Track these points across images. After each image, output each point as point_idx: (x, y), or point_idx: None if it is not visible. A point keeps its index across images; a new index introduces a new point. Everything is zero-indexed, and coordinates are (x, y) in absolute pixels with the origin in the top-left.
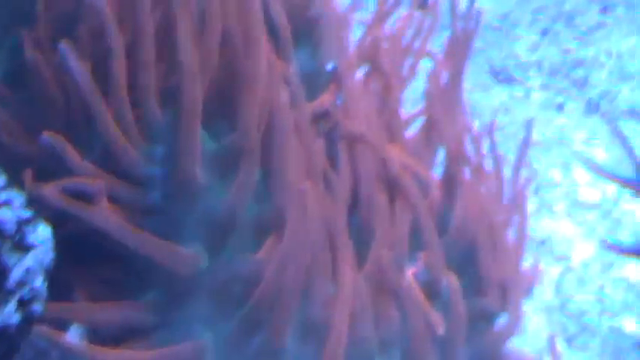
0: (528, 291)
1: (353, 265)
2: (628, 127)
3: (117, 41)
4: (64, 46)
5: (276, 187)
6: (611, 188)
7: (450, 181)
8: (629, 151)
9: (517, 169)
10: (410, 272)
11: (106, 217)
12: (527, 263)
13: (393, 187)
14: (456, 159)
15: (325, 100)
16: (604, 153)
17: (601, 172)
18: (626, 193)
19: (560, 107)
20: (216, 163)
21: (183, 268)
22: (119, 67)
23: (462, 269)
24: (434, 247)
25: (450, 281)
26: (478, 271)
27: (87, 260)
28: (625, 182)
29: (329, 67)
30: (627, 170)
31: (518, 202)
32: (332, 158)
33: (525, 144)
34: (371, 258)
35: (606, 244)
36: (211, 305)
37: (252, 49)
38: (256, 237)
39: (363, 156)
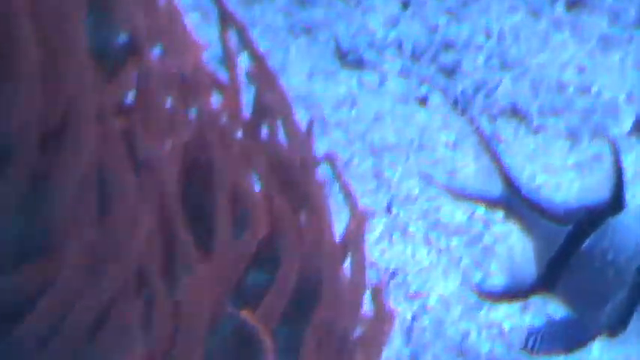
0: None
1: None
2: (508, 128)
3: None
4: None
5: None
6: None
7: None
8: (497, 160)
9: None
10: None
11: None
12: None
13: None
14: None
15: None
16: (474, 163)
17: (463, 196)
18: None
19: (422, 100)
20: None
21: None
22: None
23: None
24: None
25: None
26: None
27: None
28: (493, 202)
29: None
30: (495, 186)
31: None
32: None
33: None
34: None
35: (479, 290)
36: None
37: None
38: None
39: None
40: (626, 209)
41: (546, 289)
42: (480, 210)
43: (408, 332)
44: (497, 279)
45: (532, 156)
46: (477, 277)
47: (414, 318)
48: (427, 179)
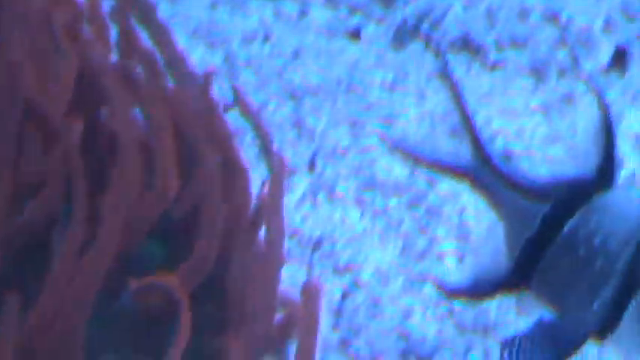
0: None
1: None
2: (459, 64)
3: None
4: None
5: None
6: None
7: None
8: (467, 119)
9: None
10: None
11: None
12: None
13: None
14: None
15: None
16: (416, 108)
17: (422, 161)
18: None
19: (353, 34)
20: None
21: None
22: None
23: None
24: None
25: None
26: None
27: None
28: (458, 171)
29: None
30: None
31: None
32: None
33: None
34: None
35: (440, 286)
36: None
37: None
38: None
39: None
40: (616, 182)
41: (520, 284)
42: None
43: (337, 313)
44: (451, 260)
45: (488, 97)
46: (421, 244)
47: (344, 295)
48: (382, 136)
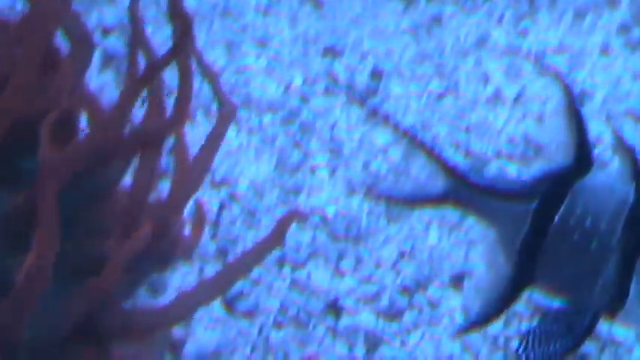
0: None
1: None
2: None
3: None
4: None
5: None
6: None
7: None
8: (432, 152)
9: None
10: None
11: None
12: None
13: None
14: None
15: None
16: (289, 30)
17: (406, 201)
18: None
19: None
20: None
21: None
22: None
23: None
24: None
25: None
26: None
27: None
28: (440, 199)
29: None
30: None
31: None
32: None
33: None
34: None
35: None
36: None
37: None
38: None
39: None
40: (593, 165)
41: (526, 283)
42: (298, 82)
43: (215, 225)
44: (323, 172)
45: (359, 19)
46: (295, 158)
47: (221, 207)
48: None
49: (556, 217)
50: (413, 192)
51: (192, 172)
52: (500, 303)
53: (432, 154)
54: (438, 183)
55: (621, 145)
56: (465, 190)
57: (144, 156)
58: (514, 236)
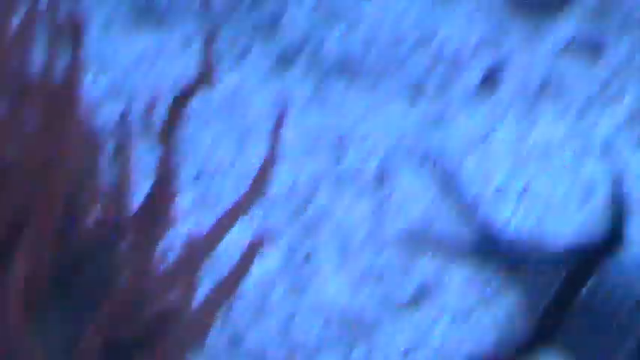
0: None
1: None
2: (337, 87)
3: None
4: None
5: None
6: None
7: None
8: (464, 204)
9: None
10: None
11: None
12: None
13: None
14: None
15: None
16: (293, 130)
17: (429, 249)
18: None
19: (240, 58)
20: None
21: None
22: None
23: None
24: None
25: None
26: None
27: None
28: (465, 254)
29: None
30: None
31: None
32: None
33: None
34: None
35: None
36: None
37: None
38: None
39: None
40: (628, 244)
41: (544, 344)
42: (304, 177)
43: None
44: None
45: (366, 116)
46: (302, 252)
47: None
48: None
49: (584, 288)
50: (444, 245)
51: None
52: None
53: (463, 204)
54: (466, 236)
55: None
56: (495, 251)
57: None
58: (540, 299)
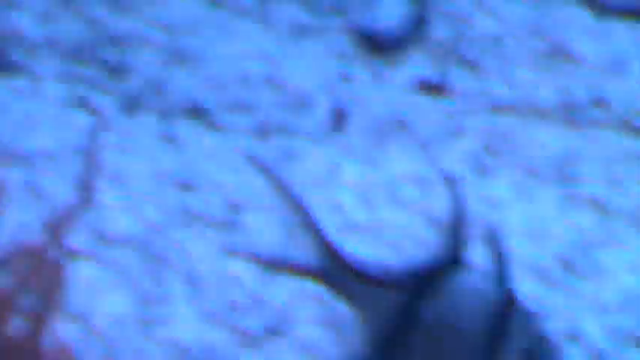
0: None
1: None
2: (185, 127)
3: None
4: None
5: None
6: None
7: None
8: (310, 222)
9: None
10: None
11: None
12: None
13: None
14: None
15: None
16: (142, 170)
17: (273, 265)
18: None
19: (83, 105)
20: None
21: None
22: None
23: None
24: None
25: None
26: None
27: None
28: (308, 271)
29: None
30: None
31: None
32: None
33: None
34: None
35: None
36: None
37: None
38: None
39: None
40: (464, 264)
41: None
42: (152, 215)
43: None
44: None
45: (212, 156)
46: (153, 289)
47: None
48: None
49: (422, 311)
50: (287, 259)
51: None
52: None
53: (311, 225)
54: (312, 255)
55: (493, 248)
56: (338, 269)
57: None
58: (378, 323)
